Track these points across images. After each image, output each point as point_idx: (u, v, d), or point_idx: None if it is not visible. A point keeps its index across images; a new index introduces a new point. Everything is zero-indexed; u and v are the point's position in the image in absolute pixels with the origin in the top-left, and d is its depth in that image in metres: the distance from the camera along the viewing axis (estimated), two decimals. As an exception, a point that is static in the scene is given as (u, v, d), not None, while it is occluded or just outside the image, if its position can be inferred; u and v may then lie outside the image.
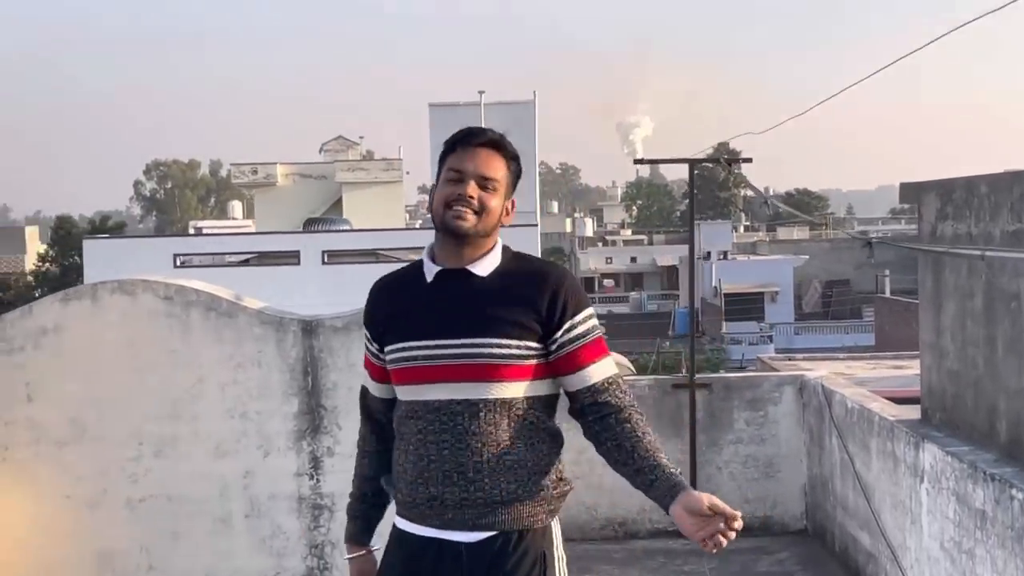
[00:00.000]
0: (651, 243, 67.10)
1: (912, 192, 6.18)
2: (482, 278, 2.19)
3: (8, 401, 5.84)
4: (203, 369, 5.87)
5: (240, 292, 5.96)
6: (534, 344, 2.18)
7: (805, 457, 7.75)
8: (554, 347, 2.18)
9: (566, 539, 5.94)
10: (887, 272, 37.05)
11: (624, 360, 22.35)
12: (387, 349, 2.27)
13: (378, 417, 2.42)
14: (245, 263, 17.07)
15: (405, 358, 2.24)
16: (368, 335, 2.39)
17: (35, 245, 55.44)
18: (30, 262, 53.21)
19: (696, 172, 7.70)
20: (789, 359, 15.73)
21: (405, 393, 2.29)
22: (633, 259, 61.75)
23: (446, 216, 2.11)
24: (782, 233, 64.31)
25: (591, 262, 59.79)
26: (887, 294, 34.96)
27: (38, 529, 6.02)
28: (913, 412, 6.07)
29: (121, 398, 5.72)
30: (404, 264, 2.56)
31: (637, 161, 8.10)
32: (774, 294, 40.31)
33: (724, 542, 1.91)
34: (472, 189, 2.08)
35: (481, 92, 18.80)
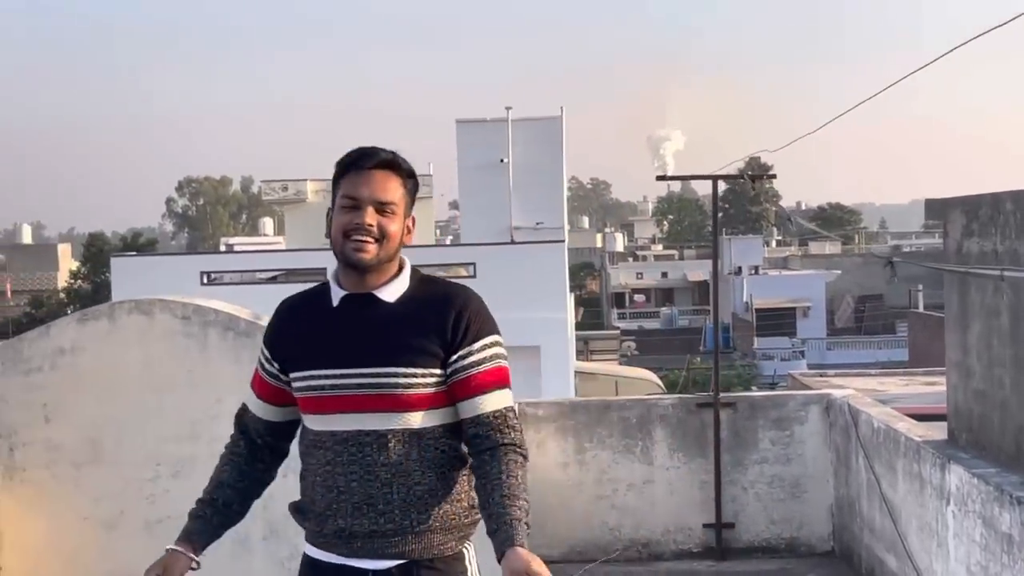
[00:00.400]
0: (682, 258, 67.99)
1: (938, 209, 6.15)
2: (388, 303, 2.18)
3: (26, 422, 5.92)
4: (221, 389, 5.72)
5: (269, 310, 5.81)
6: (438, 371, 2.17)
7: (832, 477, 7.65)
8: (449, 371, 2.16)
9: (588, 560, 5.84)
10: (920, 287, 36.80)
11: (653, 376, 21.95)
12: (292, 376, 2.25)
13: (253, 437, 2.40)
14: (274, 280, 17.23)
15: (311, 387, 2.22)
16: (267, 355, 2.35)
17: (67, 262, 57.55)
18: (62, 279, 54.52)
19: (727, 187, 7.67)
20: (821, 375, 15.51)
21: (312, 423, 2.27)
22: (664, 274, 62.42)
23: (346, 248, 2.08)
24: (814, 248, 64.83)
25: (621, 277, 60.46)
26: (920, 309, 34.74)
27: (55, 551, 6.08)
28: (940, 432, 6.03)
29: (139, 418, 5.73)
30: (312, 286, 2.52)
31: (660, 178, 8.17)
32: (806, 309, 40.91)
33: None
34: (370, 216, 2.04)
35: (508, 108, 18.78)
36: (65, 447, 5.79)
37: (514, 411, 2.25)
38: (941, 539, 5.44)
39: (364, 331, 2.21)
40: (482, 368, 2.19)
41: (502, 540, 2.00)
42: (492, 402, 2.17)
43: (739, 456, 7.67)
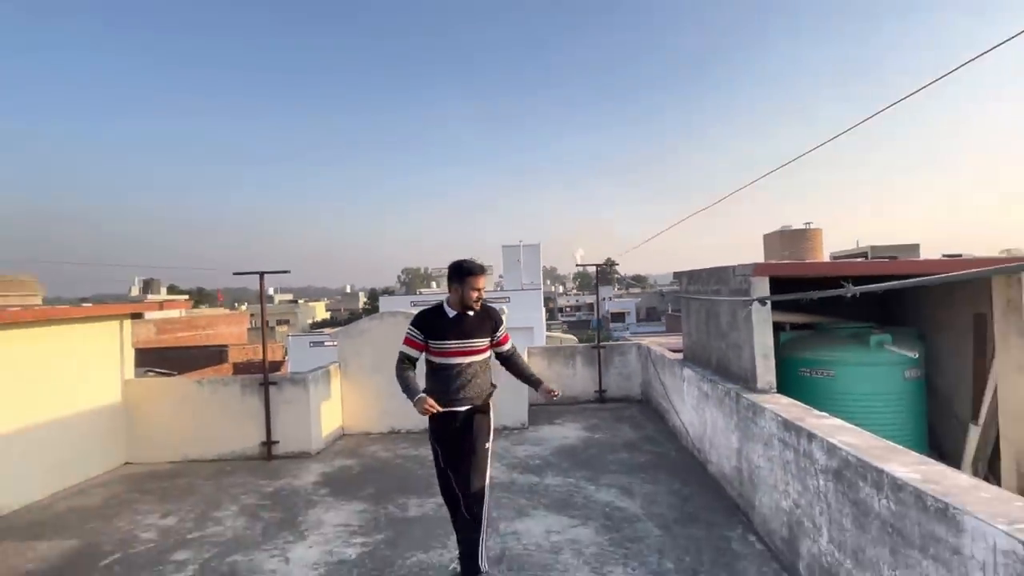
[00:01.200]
0: (585, 294, 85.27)
1: (679, 274, 7.24)
2: (470, 315, 3.29)
3: (352, 354, 7.80)
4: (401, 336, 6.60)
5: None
6: (488, 339, 3.35)
7: (641, 372, 9.28)
8: (492, 339, 3.38)
9: (551, 404, 9.00)
10: (669, 305, 52.02)
11: (575, 338, 30.47)
12: (431, 342, 3.26)
13: (410, 362, 3.30)
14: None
15: (441, 347, 3.26)
16: (418, 332, 3.29)
17: (361, 300, 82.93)
18: (360, 304, 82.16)
19: (598, 268, 10.22)
20: (635, 336, 20.79)
21: (439, 359, 3.31)
22: (578, 300, 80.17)
23: (470, 303, 3.23)
24: (632, 291, 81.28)
25: (560, 301, 78.82)
26: (669, 312, 49.64)
27: (362, 406, 7.85)
28: (680, 356, 7.41)
29: (389, 356, 7.02)
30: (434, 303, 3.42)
31: (577, 265, 11.97)
32: (627, 313, 54.46)
33: (556, 394, 3.28)
34: (481, 294, 3.25)
35: (521, 241, 25.87)
36: (365, 365, 7.81)
37: (515, 346, 3.47)
38: (682, 394, 6.67)
39: (465, 325, 3.27)
40: (501, 334, 3.42)
41: (536, 382, 3.38)
42: (508, 344, 3.48)
43: (607, 365, 9.39)
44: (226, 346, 24.42)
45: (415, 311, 3.58)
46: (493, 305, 3.41)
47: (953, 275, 2.21)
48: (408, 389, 3.06)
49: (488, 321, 3.29)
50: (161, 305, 7.91)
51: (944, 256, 6.37)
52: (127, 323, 6.95)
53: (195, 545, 4.42)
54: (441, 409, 3.05)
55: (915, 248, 12.21)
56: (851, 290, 2.88)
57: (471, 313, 3.19)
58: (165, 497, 5.55)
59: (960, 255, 6.13)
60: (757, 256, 15.07)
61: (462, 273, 3.15)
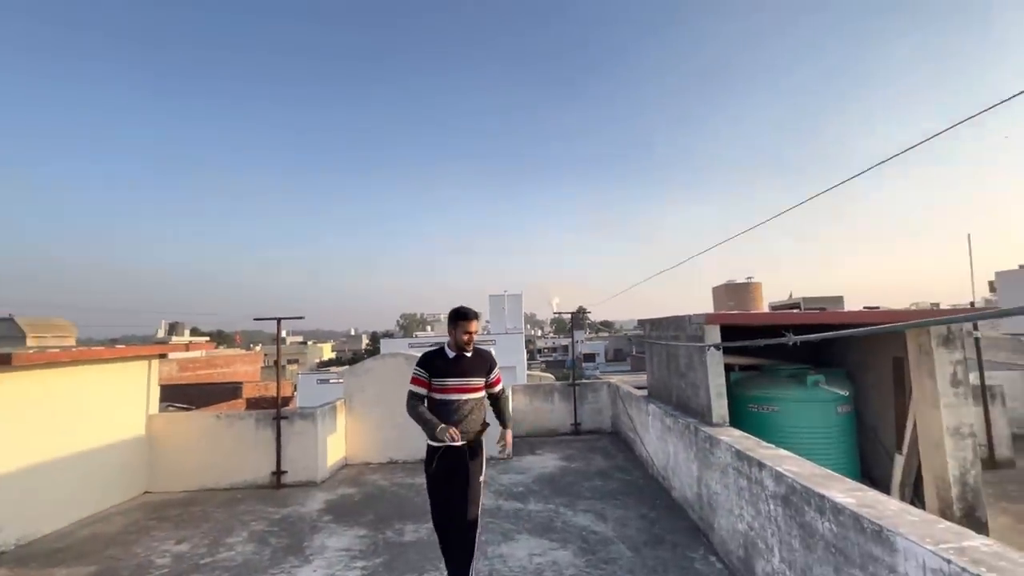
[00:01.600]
0: (561, 337, 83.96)
1: (642, 322, 7.37)
2: (468, 356, 3.24)
3: (356, 390, 7.53)
4: (406, 378, 6.75)
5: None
6: (484, 379, 3.27)
7: (611, 407, 9.06)
8: (486, 380, 3.30)
9: (532, 436, 8.58)
10: (633, 346, 51.24)
11: (552, 376, 28.82)
12: (434, 380, 3.17)
13: (421, 399, 3.23)
14: (432, 346, 21.31)
15: (443, 384, 3.17)
16: (423, 371, 3.21)
17: (364, 341, 79.37)
18: (363, 345, 77.59)
19: (573, 314, 10.37)
20: (605, 374, 20.87)
21: (441, 395, 3.19)
22: (554, 342, 77.31)
23: (462, 343, 3.20)
24: (601, 334, 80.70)
25: (538, 343, 76.68)
26: (634, 353, 48.52)
27: (363, 438, 7.57)
28: (644, 392, 7.44)
29: (389, 392, 7.39)
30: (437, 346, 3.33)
31: (554, 313, 12.12)
32: (597, 354, 53.53)
33: (507, 453, 3.36)
34: (472, 336, 3.19)
35: (505, 290, 25.67)
36: (367, 400, 7.54)
37: (504, 389, 3.29)
38: (647, 426, 6.59)
39: (464, 365, 3.21)
40: (495, 376, 3.32)
41: (504, 426, 3.39)
42: (499, 388, 3.34)
43: (581, 401, 9.21)
44: (241, 383, 23.75)
45: (413, 351, 3.60)
46: (485, 348, 3.45)
47: (874, 328, 2.27)
48: (427, 422, 3.01)
49: (484, 363, 3.27)
50: (187, 346, 7.75)
51: (865, 307, 6.53)
52: (155, 363, 6.79)
53: (207, 570, 4.24)
54: (460, 442, 3.02)
55: (840, 299, 12.48)
56: (791, 339, 2.94)
57: (468, 354, 3.17)
58: (180, 524, 5.35)
59: (878, 307, 6.30)
60: (707, 304, 15.36)
61: (456, 317, 3.16)
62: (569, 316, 10.05)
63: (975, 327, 7.81)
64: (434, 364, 3.16)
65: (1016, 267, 18.43)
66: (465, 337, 3.12)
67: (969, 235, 9.15)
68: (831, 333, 2.51)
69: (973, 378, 7.73)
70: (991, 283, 19.38)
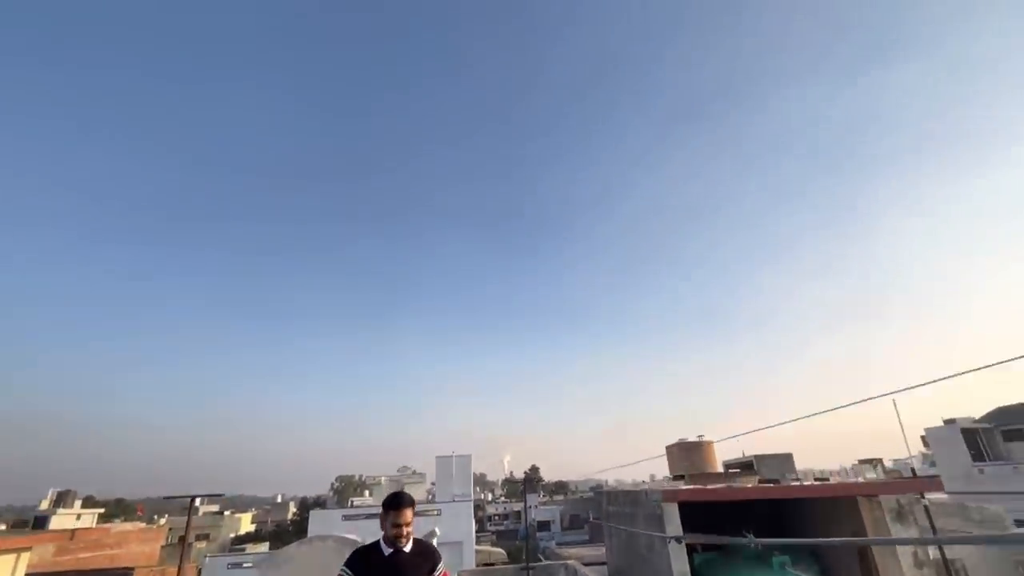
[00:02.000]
0: (512, 502, 79.26)
1: (599, 494, 8.00)
2: (407, 553, 2.86)
3: None
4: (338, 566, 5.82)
5: (365, 534, 5.97)
6: None
7: None
8: None
9: None
10: (591, 512, 47.98)
11: (503, 551, 26.08)
12: None
13: None
14: (369, 516, 19.05)
15: None
16: (351, 573, 2.80)
17: (291, 510, 66.02)
18: (289, 514, 64.26)
19: (526, 474, 10.95)
20: (559, 546, 19.35)
21: None
22: (505, 509, 72.72)
23: (395, 539, 2.85)
24: (555, 498, 77.33)
25: (489, 509, 69.38)
26: (591, 519, 45.32)
27: None
28: (604, 567, 7.24)
29: None
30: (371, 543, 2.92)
31: (506, 479, 11.57)
32: (551, 522, 50.43)
33: None
34: (406, 527, 2.83)
35: (453, 452, 24.73)
36: None
37: None
38: None
39: (399, 565, 2.86)
40: (439, 573, 2.97)
41: None
42: None
43: None
44: (132, 569, 20.00)
45: (347, 525, 3.09)
46: (429, 541, 3.16)
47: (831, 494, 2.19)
48: None
49: (425, 563, 2.88)
50: (71, 534, 6.50)
51: (816, 480, 6.55)
52: (24, 555, 5.64)
53: None
54: None
55: (789, 456, 12.61)
56: (752, 540, 2.81)
57: (407, 550, 2.81)
58: None
59: (827, 478, 6.36)
60: (661, 463, 15.03)
61: (386, 506, 2.82)
62: (522, 478, 9.31)
63: (922, 495, 7.85)
64: (365, 565, 2.79)
65: (940, 423, 19.62)
66: (394, 531, 2.79)
67: (895, 400, 9.71)
68: (792, 540, 2.40)
69: (932, 551, 7.56)
70: (923, 438, 20.28)
